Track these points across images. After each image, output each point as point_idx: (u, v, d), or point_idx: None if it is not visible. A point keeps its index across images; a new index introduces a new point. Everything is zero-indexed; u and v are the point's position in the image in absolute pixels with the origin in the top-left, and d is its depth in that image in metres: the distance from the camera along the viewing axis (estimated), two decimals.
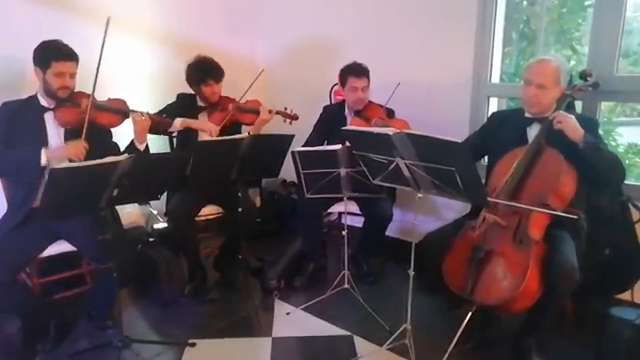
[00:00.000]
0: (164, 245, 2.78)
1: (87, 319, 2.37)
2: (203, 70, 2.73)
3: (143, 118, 2.34)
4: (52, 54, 2.16)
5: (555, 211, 1.92)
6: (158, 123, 2.48)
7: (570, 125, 1.96)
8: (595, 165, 1.96)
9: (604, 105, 2.63)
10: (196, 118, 2.79)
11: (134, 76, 3.18)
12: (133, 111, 2.36)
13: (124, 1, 3.07)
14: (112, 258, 2.02)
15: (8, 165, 2.16)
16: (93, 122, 2.24)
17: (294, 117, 2.85)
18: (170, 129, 2.69)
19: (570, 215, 1.85)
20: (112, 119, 2.34)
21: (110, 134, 2.43)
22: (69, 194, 1.78)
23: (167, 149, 2.95)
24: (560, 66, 2.05)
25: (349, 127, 2.48)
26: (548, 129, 2.03)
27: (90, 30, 2.87)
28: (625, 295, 2.28)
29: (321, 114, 3.03)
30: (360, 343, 2.27)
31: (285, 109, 2.85)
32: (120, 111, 2.35)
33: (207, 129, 2.68)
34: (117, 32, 3.03)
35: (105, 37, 2.14)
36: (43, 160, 2.10)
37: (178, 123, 2.69)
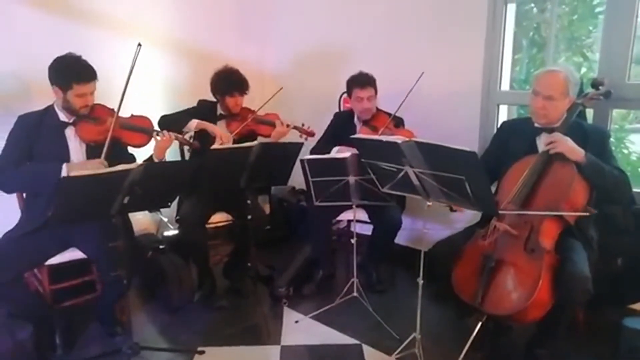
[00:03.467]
0: (174, 252, 2.79)
1: (99, 325, 2.39)
2: (230, 83, 2.77)
3: (164, 139, 2.32)
4: (73, 75, 2.13)
5: (567, 222, 1.90)
6: (182, 143, 2.49)
7: (568, 148, 1.94)
8: (599, 185, 1.95)
9: (616, 113, 2.61)
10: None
11: (148, 84, 3.22)
12: (158, 132, 2.35)
13: (138, 11, 3.11)
14: (122, 265, 2.03)
15: (28, 177, 2.15)
16: (118, 141, 2.24)
17: (310, 134, 2.87)
18: (185, 129, 2.71)
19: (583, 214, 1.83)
20: (138, 138, 2.33)
21: (127, 148, 2.42)
22: (80, 202, 1.80)
23: (178, 158, 2.97)
24: (568, 77, 2.02)
25: (358, 135, 2.48)
26: (548, 156, 2.00)
27: (105, 42, 2.93)
28: (639, 306, 2.25)
29: (332, 120, 3.05)
30: (369, 352, 2.26)
31: (303, 125, 2.87)
32: (145, 130, 2.35)
33: (219, 134, 2.69)
34: (132, 41, 3.11)
35: (134, 62, 2.16)
36: (64, 173, 2.11)
37: (193, 124, 2.71)
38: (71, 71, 2.14)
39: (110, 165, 2.12)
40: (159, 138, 2.34)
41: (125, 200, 1.91)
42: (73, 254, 2.26)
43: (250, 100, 2.90)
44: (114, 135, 2.21)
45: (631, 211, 2.13)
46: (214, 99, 2.88)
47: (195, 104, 2.90)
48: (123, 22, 3.04)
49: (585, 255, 1.93)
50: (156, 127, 2.43)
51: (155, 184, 1.97)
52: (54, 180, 2.07)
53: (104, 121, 2.24)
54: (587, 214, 1.85)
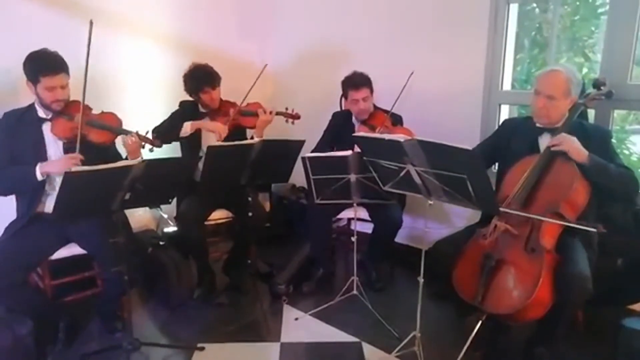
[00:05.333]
0: (174, 249, 2.79)
1: (98, 321, 2.40)
2: (198, 79, 2.73)
3: (131, 141, 2.26)
4: (40, 68, 2.11)
5: (569, 222, 1.90)
6: (146, 143, 2.35)
7: (573, 148, 1.94)
8: (604, 184, 1.94)
9: (617, 114, 2.60)
10: None
11: (146, 81, 3.22)
12: (124, 132, 2.29)
13: (136, 6, 3.11)
14: (122, 261, 2.03)
15: (6, 182, 2.17)
16: (85, 139, 2.20)
17: (296, 117, 2.84)
18: (181, 134, 2.70)
19: (588, 228, 1.82)
20: (103, 136, 2.27)
21: (112, 145, 2.39)
22: (82, 198, 1.80)
23: (178, 154, 2.96)
24: (570, 77, 2.02)
25: (359, 133, 2.48)
26: (550, 155, 2.00)
27: (105, 38, 2.92)
28: (639, 306, 2.26)
29: (330, 121, 3.04)
30: (368, 350, 2.26)
31: (287, 109, 2.84)
32: (110, 129, 2.29)
33: (216, 129, 2.69)
34: (130, 36, 3.11)
35: (90, 40, 2.07)
36: (38, 176, 2.11)
37: (188, 127, 2.71)
38: (38, 64, 2.13)
39: (89, 161, 2.07)
40: (129, 141, 2.26)
41: (127, 196, 1.91)
42: (73, 250, 2.27)
43: (250, 97, 2.89)
44: (82, 132, 2.17)
45: (632, 211, 2.13)
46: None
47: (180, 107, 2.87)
48: (123, 20, 3.04)
49: (585, 255, 1.93)
50: (125, 127, 2.34)
51: (156, 181, 1.97)
52: (30, 181, 2.10)
53: (74, 117, 2.20)
54: (594, 229, 1.78)
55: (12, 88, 2.61)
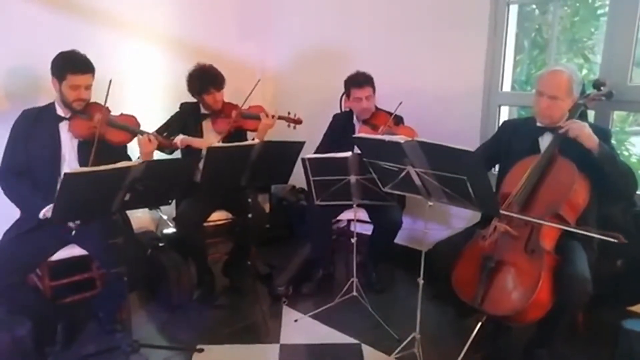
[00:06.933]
0: (174, 250, 2.79)
1: (97, 323, 2.39)
2: (204, 80, 2.73)
3: (149, 141, 2.32)
4: (68, 66, 2.18)
5: (569, 225, 1.90)
6: (163, 145, 2.47)
7: (585, 133, 1.94)
8: (609, 174, 1.94)
9: (616, 115, 2.60)
10: (200, 126, 2.81)
11: (146, 83, 3.22)
12: (141, 132, 2.35)
13: (138, 9, 3.11)
14: (122, 262, 2.03)
15: (16, 197, 2.19)
16: (103, 138, 2.24)
17: (298, 121, 2.85)
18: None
19: (608, 238, 1.78)
20: (122, 137, 2.33)
21: (125, 147, 2.43)
22: (82, 199, 1.80)
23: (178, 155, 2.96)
24: (572, 77, 2.03)
25: (359, 134, 2.48)
26: (561, 139, 2.01)
27: (106, 39, 2.94)
28: (639, 308, 2.25)
29: (331, 122, 3.04)
30: (368, 352, 2.26)
31: (289, 113, 2.84)
32: (130, 130, 2.35)
33: (205, 147, 2.67)
34: (131, 39, 3.11)
35: (107, 96, 2.18)
36: (41, 215, 2.10)
37: (179, 141, 2.69)
38: (67, 62, 2.19)
39: (102, 163, 2.10)
40: (142, 137, 2.32)
41: (127, 197, 1.91)
42: (72, 251, 2.26)
43: (249, 101, 2.89)
44: (100, 132, 2.21)
45: (631, 213, 2.13)
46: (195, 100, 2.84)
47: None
48: (122, 21, 3.04)
49: (585, 257, 1.93)
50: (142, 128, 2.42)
51: (156, 182, 1.96)
52: (32, 214, 2.11)
53: (93, 117, 2.25)
54: (615, 240, 1.69)
55: (14, 88, 2.62)
